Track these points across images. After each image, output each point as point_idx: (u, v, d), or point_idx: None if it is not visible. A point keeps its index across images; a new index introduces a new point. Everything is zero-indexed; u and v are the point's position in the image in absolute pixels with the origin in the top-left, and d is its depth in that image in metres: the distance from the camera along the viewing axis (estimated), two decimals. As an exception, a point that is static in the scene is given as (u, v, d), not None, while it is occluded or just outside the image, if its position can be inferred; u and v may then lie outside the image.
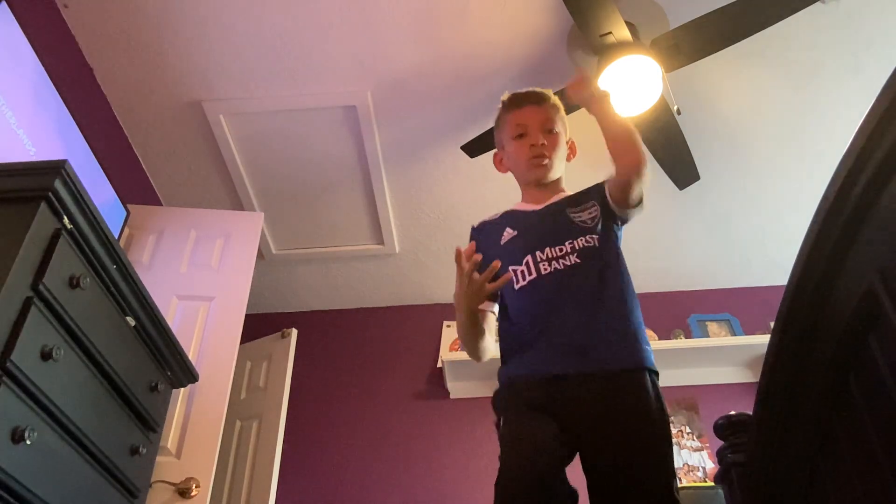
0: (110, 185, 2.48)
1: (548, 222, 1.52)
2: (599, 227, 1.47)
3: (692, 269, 3.78)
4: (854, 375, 0.87)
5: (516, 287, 1.46)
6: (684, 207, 3.36)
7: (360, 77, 2.77)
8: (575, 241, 1.45)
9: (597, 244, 1.44)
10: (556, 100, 1.64)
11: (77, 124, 2.29)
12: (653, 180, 3.15)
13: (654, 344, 3.42)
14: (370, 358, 3.76)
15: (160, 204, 3.25)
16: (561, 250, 1.44)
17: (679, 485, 1.26)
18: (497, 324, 1.56)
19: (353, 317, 3.97)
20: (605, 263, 1.44)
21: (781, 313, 0.97)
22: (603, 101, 1.51)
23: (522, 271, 1.45)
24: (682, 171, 2.83)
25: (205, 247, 2.72)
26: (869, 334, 0.81)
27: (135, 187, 3.02)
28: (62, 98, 2.20)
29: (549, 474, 1.21)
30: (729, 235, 3.57)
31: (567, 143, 1.64)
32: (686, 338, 3.56)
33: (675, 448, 3.30)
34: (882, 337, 0.79)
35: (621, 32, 2.31)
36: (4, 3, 1.95)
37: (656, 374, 1.43)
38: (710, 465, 3.22)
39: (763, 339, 3.25)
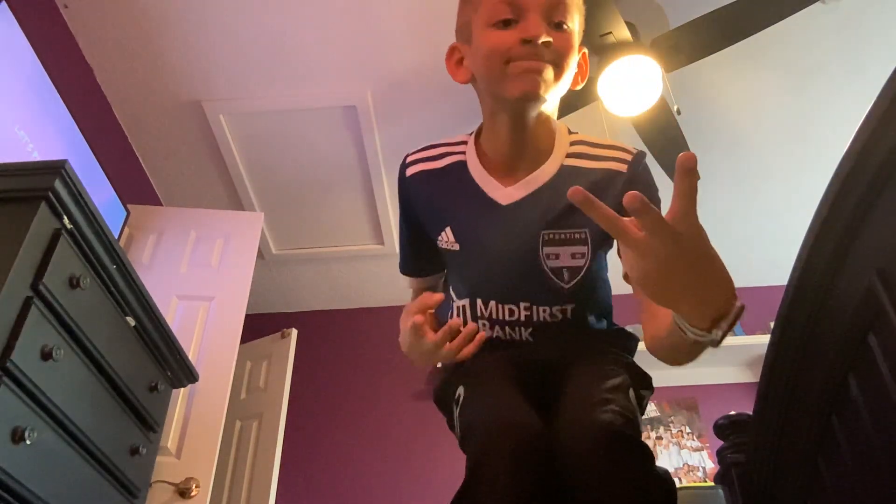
0: (110, 185, 2.48)
1: (504, 250, 0.97)
2: (576, 286, 0.98)
3: (692, 269, 3.77)
4: (854, 375, 0.87)
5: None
6: (684, 207, 3.35)
7: (360, 77, 2.77)
8: (535, 309, 0.97)
9: (569, 316, 0.98)
10: None
11: (77, 124, 2.29)
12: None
13: (654, 344, 3.45)
14: (370, 358, 3.76)
15: (160, 204, 3.25)
16: (512, 312, 0.98)
17: (679, 485, 1.14)
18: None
19: (353, 317, 3.97)
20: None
21: (781, 313, 0.97)
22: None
23: (460, 308, 1.03)
24: (682, 171, 2.83)
25: (205, 247, 2.72)
26: (869, 334, 0.81)
27: (135, 187, 3.02)
28: (62, 98, 2.20)
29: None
30: (729, 235, 3.57)
31: (581, 53, 1.01)
32: (686, 338, 3.55)
33: (675, 448, 3.33)
34: (882, 337, 0.79)
35: (621, 32, 2.31)
36: (4, 3, 1.95)
37: None
38: (710, 465, 3.22)
39: (763, 339, 3.25)
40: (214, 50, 2.66)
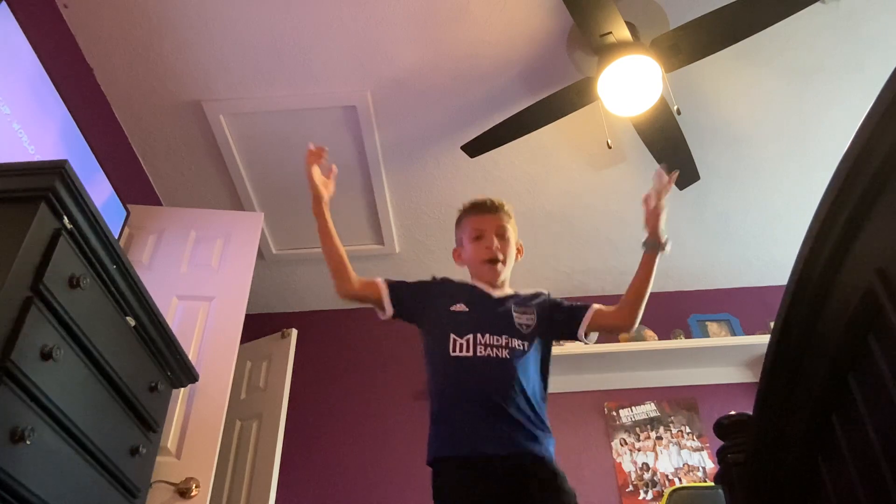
0: (110, 185, 2.48)
1: (496, 312, 1.72)
2: (530, 333, 1.70)
3: (692, 269, 3.78)
4: (854, 375, 0.87)
5: (452, 353, 1.66)
6: (684, 207, 3.36)
7: (360, 77, 2.77)
8: (511, 340, 1.66)
9: (525, 349, 1.66)
10: (509, 208, 1.86)
11: (77, 124, 2.29)
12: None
13: (655, 344, 3.46)
14: (370, 358, 3.76)
15: (160, 204, 3.25)
16: (497, 340, 1.65)
17: (679, 485, 1.29)
18: (428, 371, 1.77)
19: (353, 317, 3.96)
20: (524, 368, 1.63)
21: (781, 313, 0.96)
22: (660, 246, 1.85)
23: (462, 344, 1.66)
24: (682, 171, 2.83)
25: (205, 247, 2.72)
26: (869, 334, 0.81)
27: (135, 187, 3.02)
28: (62, 98, 2.20)
29: None
30: (729, 235, 3.57)
31: (517, 244, 1.86)
32: (686, 338, 3.56)
33: (675, 448, 3.33)
34: (882, 337, 0.79)
35: (621, 32, 2.31)
36: (4, 3, 1.95)
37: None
38: (710, 465, 3.22)
39: (763, 339, 3.26)
40: (214, 50, 2.66)
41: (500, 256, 1.78)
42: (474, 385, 1.61)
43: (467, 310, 1.73)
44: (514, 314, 1.71)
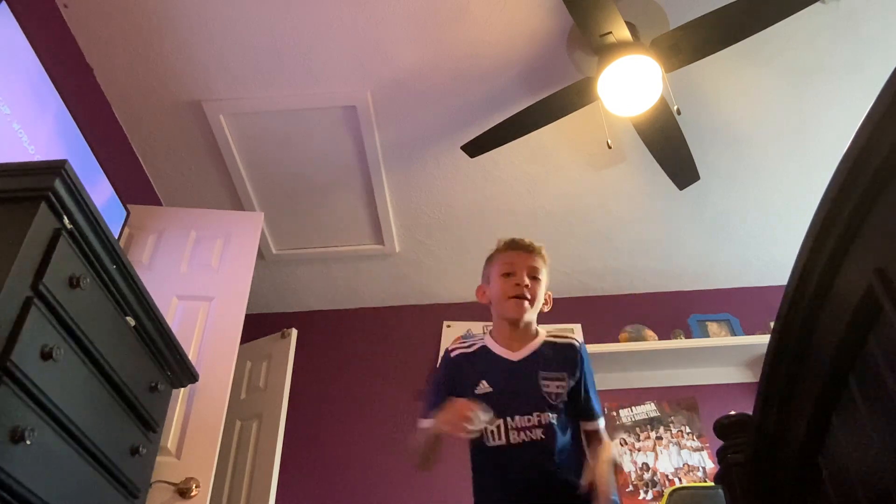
0: (110, 185, 2.48)
1: (520, 385, 1.64)
2: (562, 402, 1.63)
3: (692, 269, 3.78)
4: (854, 375, 0.87)
5: (488, 444, 1.62)
6: (684, 207, 3.36)
7: (360, 77, 2.77)
8: (542, 416, 1.59)
9: (555, 422, 1.59)
10: (546, 253, 1.79)
11: (77, 124, 2.29)
12: (653, 180, 3.18)
13: (655, 344, 3.46)
14: (370, 358, 3.76)
15: (160, 204, 3.25)
16: (529, 421, 1.59)
17: (679, 485, 1.29)
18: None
19: (353, 317, 3.97)
20: (559, 436, 1.58)
21: (781, 313, 0.97)
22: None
23: (493, 432, 1.61)
24: (682, 171, 2.83)
25: (205, 247, 2.72)
26: (869, 334, 0.81)
27: (135, 187, 3.02)
28: (62, 98, 2.20)
29: None
30: (729, 235, 3.57)
31: (546, 293, 1.78)
32: (686, 338, 3.56)
33: (675, 448, 3.33)
34: (882, 337, 0.79)
35: (621, 32, 2.31)
36: (4, 3, 1.95)
37: None
38: (710, 465, 3.22)
39: (763, 339, 3.26)
40: (214, 50, 2.66)
41: (528, 295, 1.69)
42: (514, 472, 1.58)
43: (491, 389, 1.65)
44: (542, 384, 1.63)
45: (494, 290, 1.75)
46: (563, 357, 1.68)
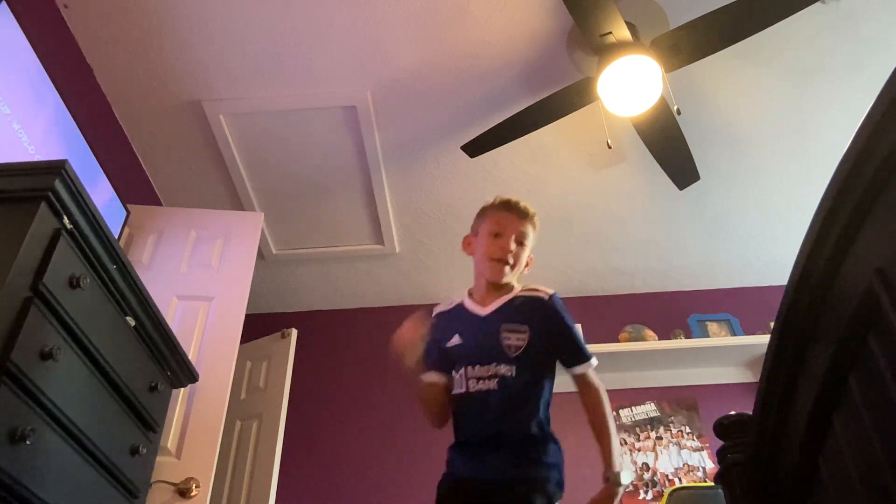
0: (110, 185, 2.48)
1: (483, 337, 1.70)
2: (520, 355, 1.65)
3: (692, 269, 3.78)
4: (854, 375, 0.87)
5: (454, 391, 1.71)
6: (684, 207, 3.36)
7: (360, 77, 2.77)
8: (499, 367, 1.64)
9: (513, 374, 1.63)
10: (537, 220, 1.82)
11: (77, 124, 2.29)
12: (653, 180, 3.18)
13: (655, 344, 3.47)
14: (370, 358, 3.76)
15: (160, 204, 3.25)
16: (487, 371, 1.65)
17: (679, 485, 1.29)
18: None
19: (353, 317, 3.97)
20: (516, 392, 1.63)
21: (781, 313, 0.96)
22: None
23: (458, 380, 1.70)
24: (682, 171, 2.83)
25: (205, 247, 2.72)
26: (869, 334, 0.81)
27: (135, 187, 3.02)
28: (62, 98, 2.20)
29: None
30: (729, 235, 3.57)
31: (528, 257, 1.82)
32: (686, 338, 3.56)
33: (675, 448, 3.33)
34: (882, 337, 0.79)
35: (621, 32, 2.31)
36: (4, 3, 1.95)
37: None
38: (710, 465, 3.22)
39: (763, 339, 3.26)
40: (214, 50, 2.66)
41: (511, 260, 1.74)
42: (471, 420, 1.65)
43: (460, 342, 1.74)
44: (503, 336, 1.67)
45: (480, 247, 1.79)
46: (529, 310, 1.71)
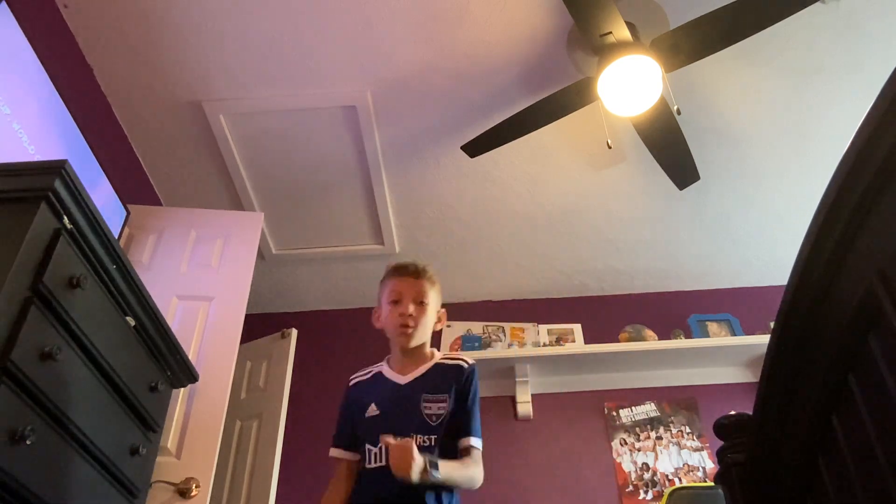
0: (110, 185, 2.49)
1: (403, 407, 1.68)
2: (443, 424, 1.64)
3: (692, 269, 3.78)
4: (854, 375, 0.87)
5: (368, 466, 1.65)
6: (684, 207, 3.36)
7: (360, 77, 2.77)
8: (421, 438, 1.61)
9: (433, 444, 1.61)
10: (432, 274, 1.82)
11: (77, 124, 2.29)
12: (653, 180, 3.18)
13: (655, 344, 3.46)
14: (370, 358, 3.74)
15: (160, 204, 3.25)
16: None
17: (679, 485, 1.29)
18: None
19: (353, 317, 3.96)
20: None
21: (781, 313, 0.96)
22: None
23: (376, 454, 1.64)
24: (682, 171, 2.83)
25: (205, 247, 2.72)
26: (869, 334, 0.81)
27: (135, 187, 3.02)
28: (62, 98, 2.20)
29: None
30: (729, 235, 3.57)
31: (438, 313, 1.84)
32: (686, 338, 3.56)
33: (675, 448, 3.33)
34: (882, 337, 0.79)
35: (621, 32, 2.31)
36: (4, 3, 1.95)
37: None
38: (710, 465, 3.22)
39: (763, 339, 3.25)
40: (214, 50, 2.66)
41: (412, 324, 1.75)
42: (385, 495, 1.57)
43: (378, 413, 1.71)
44: (424, 406, 1.66)
45: (384, 317, 1.82)
46: (449, 378, 1.71)
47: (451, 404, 1.66)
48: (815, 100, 2.87)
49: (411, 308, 1.76)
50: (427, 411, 1.65)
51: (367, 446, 1.66)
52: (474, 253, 3.64)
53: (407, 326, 1.75)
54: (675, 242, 3.61)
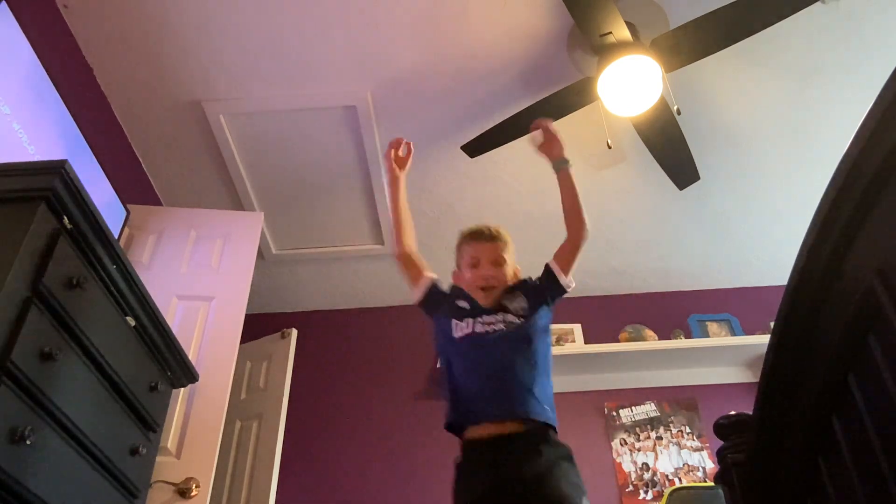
0: (110, 185, 2.48)
1: (490, 308, 1.85)
2: (525, 312, 1.83)
3: (692, 269, 3.78)
4: (854, 375, 0.87)
5: (454, 335, 1.79)
6: (684, 207, 3.36)
7: (360, 77, 2.77)
8: (506, 316, 1.79)
9: (520, 322, 1.79)
10: (505, 235, 1.95)
11: (77, 124, 2.29)
12: (653, 180, 3.18)
13: (655, 344, 3.47)
14: (370, 358, 3.76)
15: (160, 204, 3.25)
16: (495, 319, 1.78)
17: (679, 485, 1.29)
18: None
19: (353, 317, 3.97)
20: (524, 336, 1.76)
21: (781, 313, 0.97)
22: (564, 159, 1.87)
23: (462, 326, 1.80)
24: (682, 171, 2.83)
25: (205, 247, 2.72)
26: (869, 334, 0.81)
27: (135, 187, 3.02)
28: (62, 98, 2.20)
29: None
30: (729, 235, 3.57)
31: (514, 269, 1.95)
32: (686, 338, 3.56)
33: (675, 448, 3.33)
34: (882, 337, 0.79)
35: (621, 32, 2.31)
36: (4, 3, 1.95)
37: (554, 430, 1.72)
38: (710, 465, 3.22)
39: (763, 339, 3.26)
40: (214, 50, 2.66)
41: (494, 284, 1.87)
42: (475, 358, 1.73)
43: (468, 306, 1.87)
44: (505, 302, 1.84)
45: (466, 279, 1.93)
46: (524, 288, 1.88)
47: (528, 302, 1.83)
48: (815, 100, 2.87)
49: (491, 270, 1.87)
50: (511, 306, 1.83)
51: (454, 321, 1.81)
52: (474, 253, 3.64)
53: (490, 287, 1.86)
54: (674, 242, 3.61)
